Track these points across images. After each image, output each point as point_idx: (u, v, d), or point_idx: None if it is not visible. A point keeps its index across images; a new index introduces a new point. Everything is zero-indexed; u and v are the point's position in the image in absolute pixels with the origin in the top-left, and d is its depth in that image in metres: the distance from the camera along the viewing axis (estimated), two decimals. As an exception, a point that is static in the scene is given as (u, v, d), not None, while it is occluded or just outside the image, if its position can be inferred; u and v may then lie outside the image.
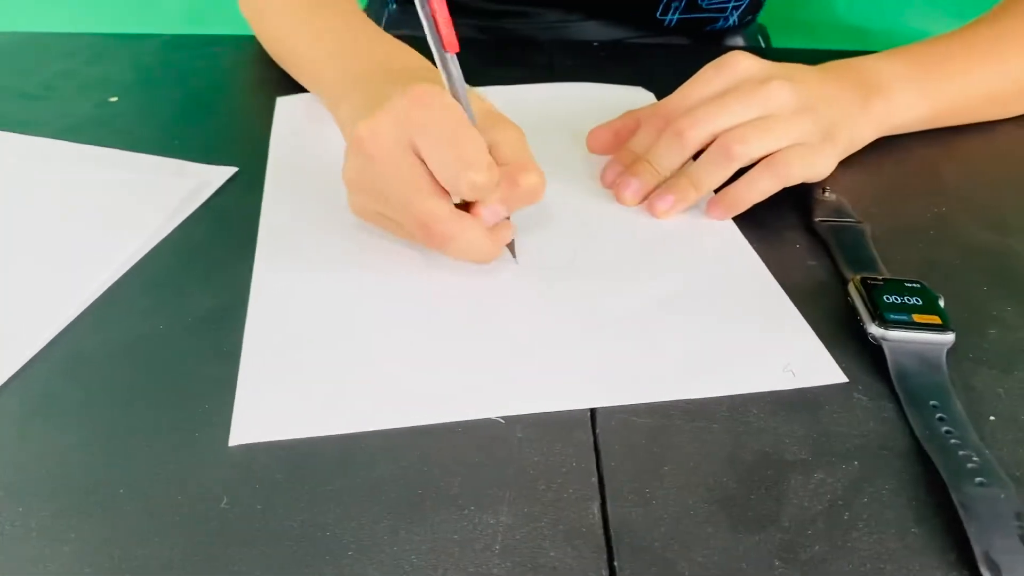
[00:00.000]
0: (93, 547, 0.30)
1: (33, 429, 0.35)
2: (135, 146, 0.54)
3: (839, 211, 0.48)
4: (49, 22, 0.88)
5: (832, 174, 0.50)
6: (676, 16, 0.78)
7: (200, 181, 0.51)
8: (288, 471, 0.33)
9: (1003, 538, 0.30)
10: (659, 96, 0.59)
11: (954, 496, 0.32)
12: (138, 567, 0.29)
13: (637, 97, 0.62)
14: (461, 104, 0.40)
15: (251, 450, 0.34)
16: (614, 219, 0.49)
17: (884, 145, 0.55)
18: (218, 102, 0.61)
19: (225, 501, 0.32)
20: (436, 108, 0.38)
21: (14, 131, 0.55)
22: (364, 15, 0.58)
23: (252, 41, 0.68)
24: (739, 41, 0.86)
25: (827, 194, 0.49)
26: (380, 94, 0.42)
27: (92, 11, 0.93)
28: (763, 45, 0.90)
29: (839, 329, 0.41)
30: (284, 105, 0.60)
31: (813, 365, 0.39)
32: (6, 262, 0.44)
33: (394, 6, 0.85)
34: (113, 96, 0.60)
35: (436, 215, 0.39)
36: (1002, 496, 0.31)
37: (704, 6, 0.78)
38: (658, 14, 0.77)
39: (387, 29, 0.79)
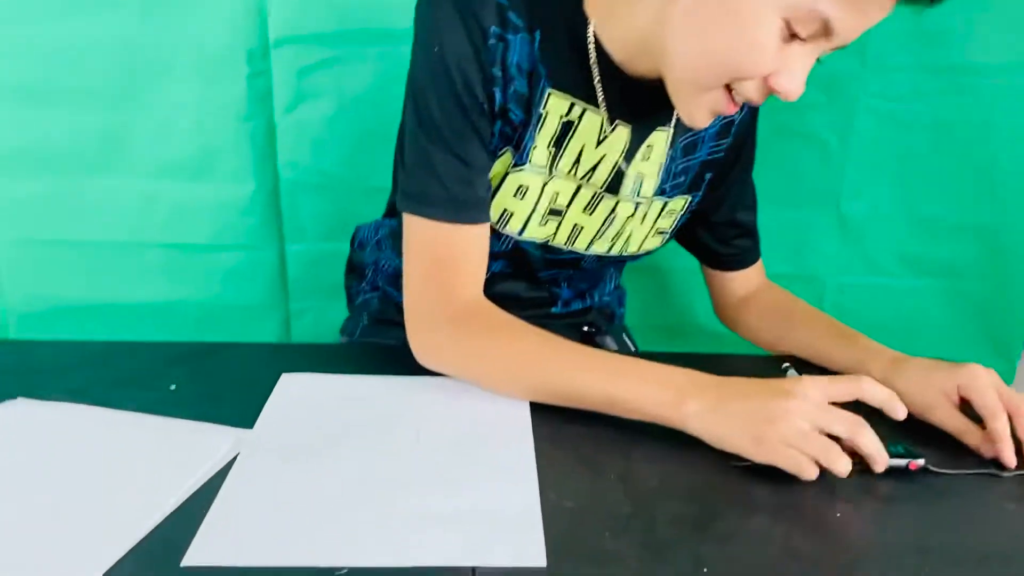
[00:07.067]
0: None
1: None
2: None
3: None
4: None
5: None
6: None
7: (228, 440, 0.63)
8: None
9: None
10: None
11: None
12: None
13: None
14: None
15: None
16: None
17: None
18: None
19: None
20: None
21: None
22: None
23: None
24: (611, 344, 1.02)
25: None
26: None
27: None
28: (632, 348, 1.06)
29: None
30: (286, 380, 0.74)
31: (527, 545, 0.51)
32: (56, 513, 0.54)
33: (366, 322, 0.99)
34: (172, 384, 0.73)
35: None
36: None
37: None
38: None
39: (361, 338, 0.99)
